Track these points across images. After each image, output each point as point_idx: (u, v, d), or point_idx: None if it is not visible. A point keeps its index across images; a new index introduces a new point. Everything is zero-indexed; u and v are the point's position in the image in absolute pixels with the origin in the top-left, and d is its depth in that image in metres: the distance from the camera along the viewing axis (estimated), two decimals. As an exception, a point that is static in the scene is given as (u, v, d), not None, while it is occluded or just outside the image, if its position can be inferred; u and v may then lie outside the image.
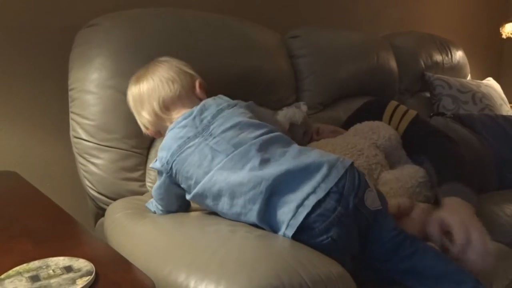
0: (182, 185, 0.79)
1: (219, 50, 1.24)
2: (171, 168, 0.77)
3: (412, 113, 1.17)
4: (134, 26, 1.12)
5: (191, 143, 0.77)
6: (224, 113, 0.80)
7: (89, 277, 0.49)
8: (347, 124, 1.35)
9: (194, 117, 0.80)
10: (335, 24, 1.95)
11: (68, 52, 1.09)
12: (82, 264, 0.52)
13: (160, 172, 0.81)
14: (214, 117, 0.79)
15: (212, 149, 0.75)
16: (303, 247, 0.67)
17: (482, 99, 1.88)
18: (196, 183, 0.75)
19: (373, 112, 1.22)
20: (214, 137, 0.76)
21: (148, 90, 0.88)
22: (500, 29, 2.34)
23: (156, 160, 0.81)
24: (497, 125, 1.43)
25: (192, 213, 0.85)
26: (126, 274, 0.52)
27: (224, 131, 0.76)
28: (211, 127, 0.78)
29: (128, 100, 0.93)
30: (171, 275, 0.60)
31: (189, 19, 1.23)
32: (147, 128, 0.90)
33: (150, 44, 1.11)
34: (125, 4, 1.23)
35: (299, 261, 0.61)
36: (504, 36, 2.37)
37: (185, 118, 0.81)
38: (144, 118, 0.89)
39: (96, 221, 1.09)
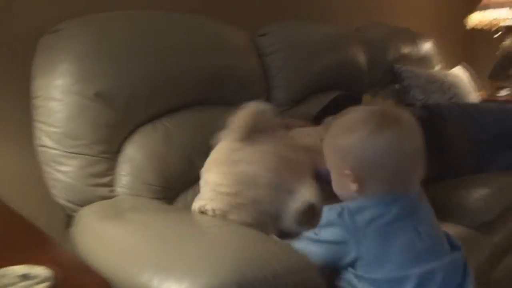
0: (351, 254, 0.68)
1: (190, 51, 1.23)
2: (361, 233, 0.67)
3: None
4: (100, 30, 1.11)
5: (399, 223, 0.68)
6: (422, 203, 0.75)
7: (46, 283, 0.48)
8: (317, 120, 1.36)
9: (400, 199, 0.71)
10: (309, 18, 1.96)
11: (31, 59, 1.07)
12: (40, 271, 0.52)
13: (335, 228, 0.69)
14: (417, 203, 0.73)
15: (418, 234, 0.69)
16: (271, 241, 0.68)
17: (450, 88, 1.93)
18: (388, 263, 0.67)
19: (347, 106, 1.22)
20: (422, 225, 0.70)
21: (394, 156, 0.70)
22: (466, 20, 2.40)
23: (339, 214, 0.69)
24: (463, 111, 1.47)
25: (166, 214, 0.85)
26: (86, 278, 0.52)
27: (428, 224, 0.72)
28: (420, 215, 0.72)
29: (349, 145, 0.72)
30: (137, 275, 0.60)
31: (158, 21, 1.22)
32: (350, 179, 0.72)
33: (118, 48, 1.10)
34: (90, 8, 1.21)
35: (265, 257, 0.62)
36: (469, 27, 2.42)
37: (394, 199, 0.70)
38: (373, 182, 0.71)
39: (66, 229, 1.08)
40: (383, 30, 2.06)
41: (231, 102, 1.38)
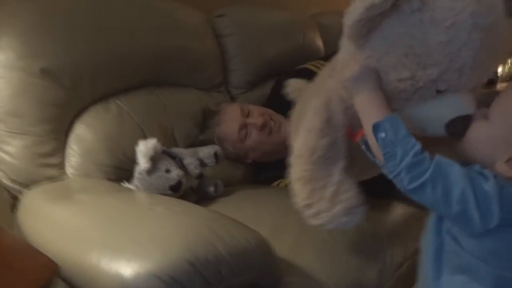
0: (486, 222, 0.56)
1: (141, 29, 1.20)
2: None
3: None
4: (45, 4, 1.05)
5: None
6: None
7: (-14, 265, 0.46)
8: (270, 103, 1.37)
9: None
10: (265, 3, 1.95)
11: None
12: (-21, 253, 0.49)
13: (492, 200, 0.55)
14: None
15: None
16: (223, 218, 0.68)
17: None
18: None
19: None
20: None
21: None
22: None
23: (501, 190, 0.56)
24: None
25: (116, 194, 0.84)
26: (30, 261, 0.51)
27: None
28: None
29: None
30: (85, 257, 0.59)
31: (108, -3, 1.17)
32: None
33: (64, 24, 1.05)
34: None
35: (216, 234, 0.62)
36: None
37: None
38: None
39: (12, 213, 1.03)
40: (339, 16, 2.09)
41: (187, 84, 1.36)
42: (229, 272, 0.60)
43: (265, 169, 1.31)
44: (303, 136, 0.75)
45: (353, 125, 0.72)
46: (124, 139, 1.06)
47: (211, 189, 1.10)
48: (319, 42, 1.84)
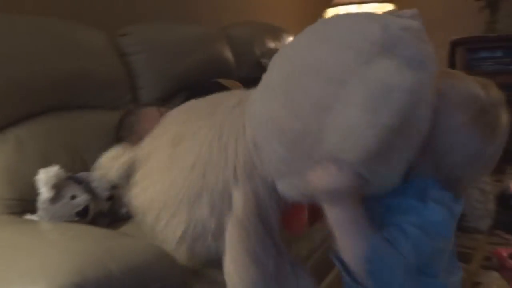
0: None
1: (38, 53, 1.18)
2: None
3: None
4: None
5: None
6: None
7: None
8: None
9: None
10: (174, 18, 1.97)
11: None
12: None
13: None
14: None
15: None
16: (119, 237, 0.69)
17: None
18: None
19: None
20: None
21: None
22: (323, 15, 2.64)
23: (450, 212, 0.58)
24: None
25: (10, 227, 0.81)
26: None
27: None
28: None
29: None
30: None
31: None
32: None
33: None
34: None
35: (110, 253, 0.63)
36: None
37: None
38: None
39: None
40: (249, 27, 2.17)
41: (95, 105, 1.35)
42: (125, 289, 0.61)
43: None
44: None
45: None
46: (25, 170, 1.03)
47: (124, 210, 1.09)
48: (228, 53, 1.90)
